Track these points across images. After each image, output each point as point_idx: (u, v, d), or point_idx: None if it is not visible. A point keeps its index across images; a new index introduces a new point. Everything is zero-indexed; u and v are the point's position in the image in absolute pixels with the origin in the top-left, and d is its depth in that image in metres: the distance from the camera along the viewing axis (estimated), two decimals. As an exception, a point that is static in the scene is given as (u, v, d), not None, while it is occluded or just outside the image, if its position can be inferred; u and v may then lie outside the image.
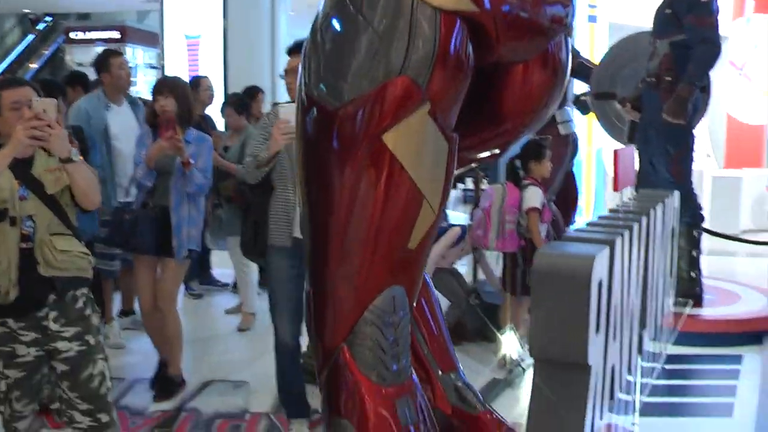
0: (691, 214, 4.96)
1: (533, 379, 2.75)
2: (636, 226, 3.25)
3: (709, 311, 4.94)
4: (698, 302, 4.97)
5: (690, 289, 4.93)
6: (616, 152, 3.24)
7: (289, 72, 3.94)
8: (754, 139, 11.64)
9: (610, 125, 6.44)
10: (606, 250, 2.73)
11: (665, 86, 4.94)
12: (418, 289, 1.64)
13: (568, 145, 6.12)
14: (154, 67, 15.10)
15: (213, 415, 4.54)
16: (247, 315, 6.12)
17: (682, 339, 4.41)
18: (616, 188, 3.34)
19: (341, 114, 1.49)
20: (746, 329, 4.71)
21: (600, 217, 3.48)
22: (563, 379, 2.64)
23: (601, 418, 2.85)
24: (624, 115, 5.75)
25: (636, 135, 5.41)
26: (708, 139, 11.64)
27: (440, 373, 1.73)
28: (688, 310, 4.63)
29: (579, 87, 7.23)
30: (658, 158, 4.98)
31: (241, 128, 5.95)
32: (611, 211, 3.64)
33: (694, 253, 5.02)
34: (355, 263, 1.53)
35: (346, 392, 1.54)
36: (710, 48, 4.83)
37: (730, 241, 7.56)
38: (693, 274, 5.00)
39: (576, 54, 6.10)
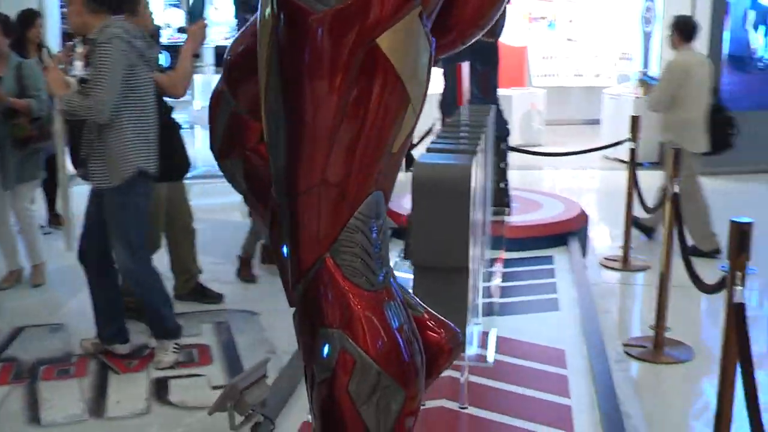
0: (499, 129, 5.25)
1: (414, 285, 2.85)
2: (483, 137, 3.41)
3: (519, 218, 5.32)
4: (508, 211, 5.33)
5: (501, 198, 5.27)
6: (459, 66, 3.34)
7: None
8: (517, 60, 12.42)
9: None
10: (474, 160, 2.86)
11: (473, 6, 5.13)
12: (391, 193, 1.63)
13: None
14: None
15: (35, 362, 4.25)
16: (38, 266, 5.46)
17: (497, 244, 4.73)
18: (460, 102, 3.46)
19: (327, 18, 1.42)
20: (553, 232, 5.15)
21: (443, 130, 3.61)
22: (445, 283, 2.77)
23: (471, 320, 3.02)
24: (427, 35, 5.91)
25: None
26: (477, 60, 12.27)
27: None
28: (505, 218, 4.96)
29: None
30: (467, 76, 5.19)
31: (5, 55, 5.29)
32: (450, 125, 3.77)
33: (502, 165, 5.35)
34: (341, 172, 1.49)
35: (333, 302, 1.51)
36: None
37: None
38: (502, 185, 5.34)
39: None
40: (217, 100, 1.92)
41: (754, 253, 2.71)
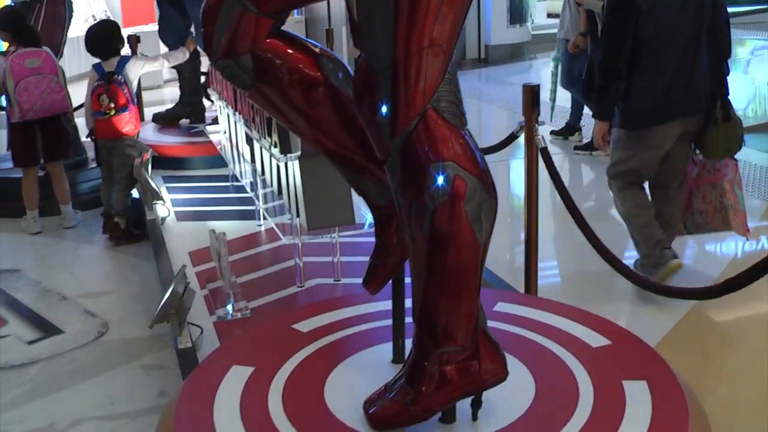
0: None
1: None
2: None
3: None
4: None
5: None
6: None
7: None
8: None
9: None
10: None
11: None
12: None
13: (63, 4, 6.03)
14: None
15: None
16: None
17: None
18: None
19: None
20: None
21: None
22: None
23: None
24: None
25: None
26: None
27: None
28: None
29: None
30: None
31: None
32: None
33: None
34: (444, 34, 1.78)
35: (441, 141, 1.81)
36: None
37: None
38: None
39: None
40: (215, 5, 2.03)
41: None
